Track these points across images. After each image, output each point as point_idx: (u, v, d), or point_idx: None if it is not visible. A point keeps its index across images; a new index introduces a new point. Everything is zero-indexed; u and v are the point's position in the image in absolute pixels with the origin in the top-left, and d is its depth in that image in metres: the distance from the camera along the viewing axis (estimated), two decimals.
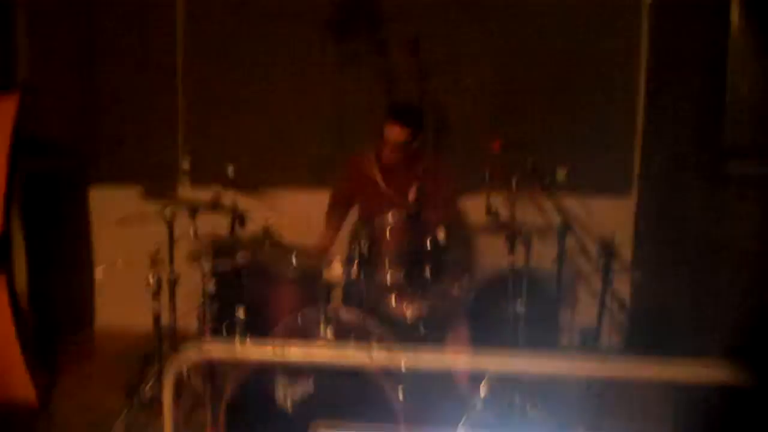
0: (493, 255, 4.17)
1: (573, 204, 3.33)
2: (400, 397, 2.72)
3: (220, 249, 3.58)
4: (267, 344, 2.18)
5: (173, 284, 3.43)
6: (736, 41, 3.18)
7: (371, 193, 3.74)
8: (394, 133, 3.61)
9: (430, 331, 3.28)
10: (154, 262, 3.20)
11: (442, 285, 3.21)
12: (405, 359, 1.85)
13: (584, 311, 4.65)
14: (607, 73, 4.62)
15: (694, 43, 3.72)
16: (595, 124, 4.57)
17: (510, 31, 4.62)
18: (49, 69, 4.40)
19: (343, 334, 2.88)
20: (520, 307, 3.36)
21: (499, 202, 3.46)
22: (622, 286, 4.11)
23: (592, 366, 1.74)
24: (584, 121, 4.58)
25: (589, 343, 4.54)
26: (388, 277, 3.18)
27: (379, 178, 3.74)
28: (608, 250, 2.85)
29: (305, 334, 2.90)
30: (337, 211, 3.97)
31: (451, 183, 3.78)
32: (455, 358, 2.05)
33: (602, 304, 2.96)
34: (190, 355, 1.90)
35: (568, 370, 1.73)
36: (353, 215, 3.96)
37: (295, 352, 2.00)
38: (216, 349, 2.11)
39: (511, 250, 3.34)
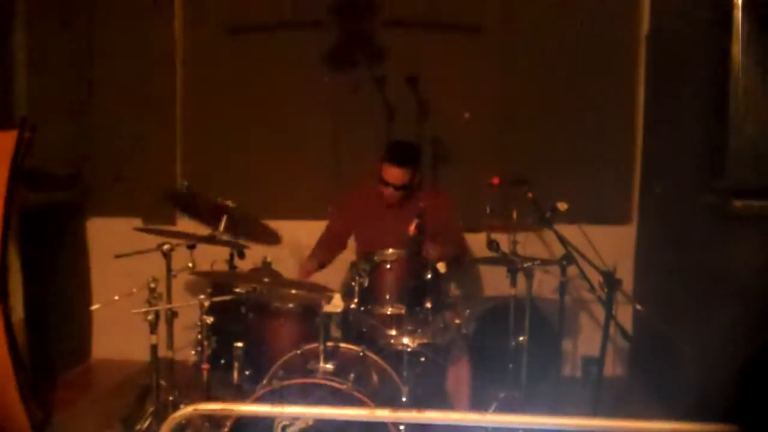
0: (494, 284, 4.16)
1: (573, 233, 3.30)
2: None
3: (219, 282, 3.56)
4: (265, 402, 2.07)
5: (171, 317, 3.40)
6: (738, 78, 3.18)
7: (371, 227, 3.72)
8: (393, 175, 3.61)
9: (431, 363, 3.25)
10: (152, 294, 3.17)
11: (443, 316, 3.19)
12: (409, 418, 1.80)
13: (586, 340, 4.64)
14: (606, 106, 4.64)
15: (693, 78, 3.72)
16: (594, 156, 4.59)
17: (509, 65, 4.64)
18: (47, 103, 4.39)
19: (344, 367, 2.84)
20: (522, 338, 3.34)
21: (499, 234, 3.43)
22: (624, 315, 4.09)
23: (593, 425, 1.72)
24: (583, 152, 4.60)
25: (591, 373, 4.52)
26: (389, 310, 3.16)
27: (378, 212, 3.73)
28: (611, 282, 2.82)
29: (305, 368, 2.87)
30: (328, 243, 3.91)
31: (452, 213, 3.76)
32: (459, 417, 2.00)
33: (605, 335, 2.93)
34: (186, 413, 1.83)
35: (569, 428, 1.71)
36: (348, 253, 3.94)
37: (294, 411, 1.92)
38: (213, 409, 2.03)
39: (513, 282, 3.32)
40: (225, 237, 3.45)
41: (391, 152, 3.68)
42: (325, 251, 3.87)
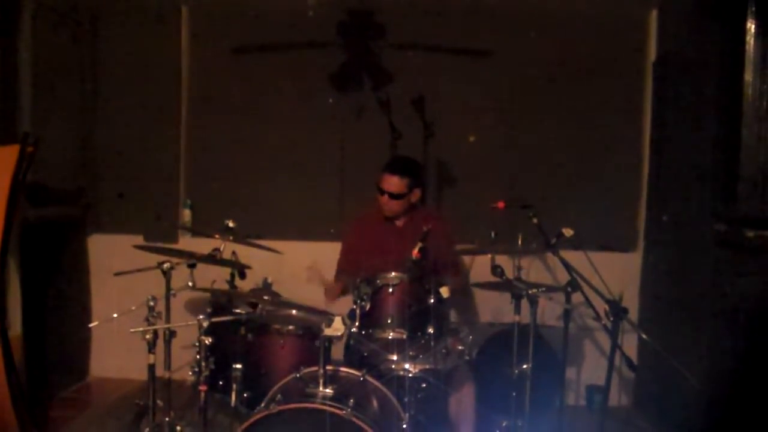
0: (498, 310, 4.12)
1: (578, 260, 3.26)
2: None
3: (219, 301, 3.52)
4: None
5: (169, 337, 3.36)
6: (751, 104, 3.15)
7: (375, 251, 3.69)
8: (388, 183, 3.62)
9: (433, 389, 3.20)
10: (151, 313, 3.13)
11: (445, 341, 3.14)
12: None
13: (590, 368, 4.57)
14: (613, 132, 4.65)
15: (702, 104, 3.70)
16: (600, 182, 4.57)
17: (516, 89, 4.65)
18: (52, 119, 4.40)
19: (344, 392, 2.79)
20: (525, 365, 3.28)
21: (504, 259, 3.39)
22: (629, 343, 4.02)
23: None
24: (589, 178, 4.59)
25: (596, 401, 4.45)
26: (391, 334, 3.11)
27: (381, 235, 3.70)
28: (617, 311, 2.76)
29: (304, 392, 2.81)
30: (346, 268, 3.86)
31: (452, 241, 3.72)
32: None
33: (611, 365, 2.87)
34: None
35: None
36: None
37: None
38: None
39: (517, 308, 3.27)
40: (226, 256, 3.42)
41: (388, 162, 3.74)
42: (346, 276, 3.83)
